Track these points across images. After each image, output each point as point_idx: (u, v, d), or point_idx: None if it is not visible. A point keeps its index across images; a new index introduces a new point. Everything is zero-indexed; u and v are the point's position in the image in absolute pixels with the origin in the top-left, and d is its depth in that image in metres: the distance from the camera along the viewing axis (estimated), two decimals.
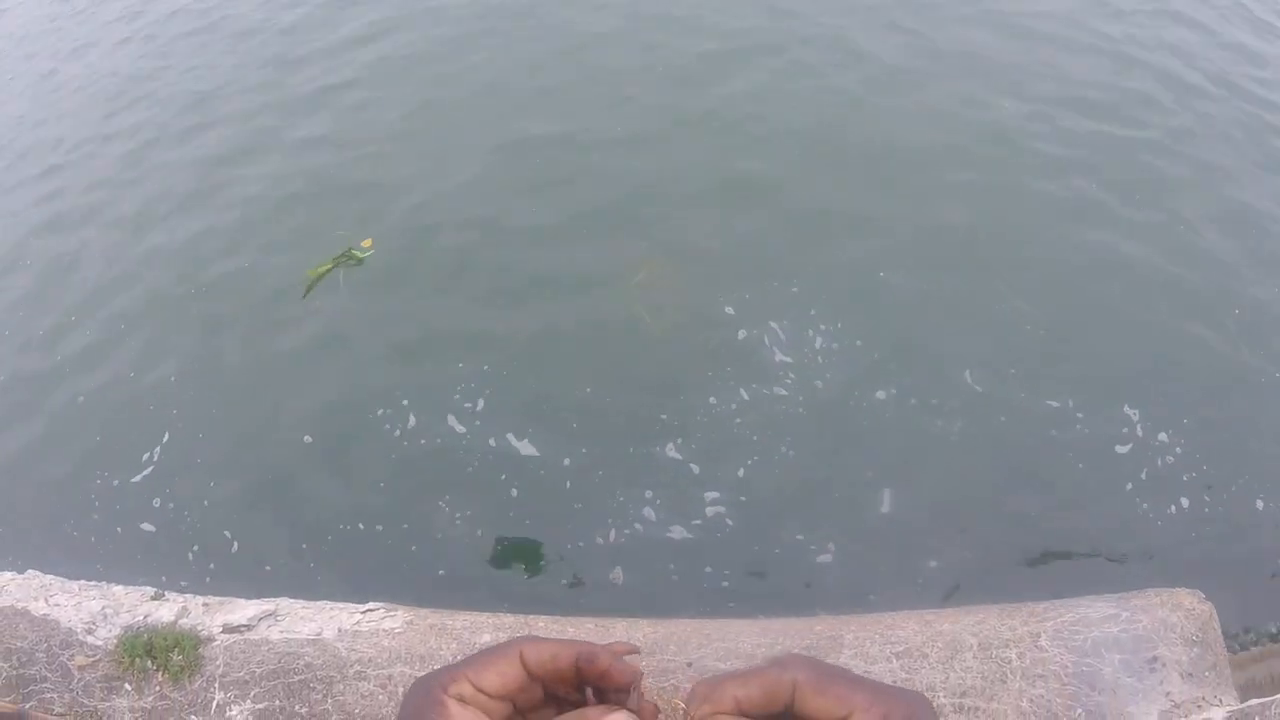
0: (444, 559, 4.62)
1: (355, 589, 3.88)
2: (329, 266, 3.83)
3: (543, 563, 4.58)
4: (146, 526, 4.93)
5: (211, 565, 4.73)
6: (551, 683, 0.63)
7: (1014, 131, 6.48)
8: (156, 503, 5.02)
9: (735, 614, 3.93)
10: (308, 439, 5.13)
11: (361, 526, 4.77)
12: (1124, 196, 5.97)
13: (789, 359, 5.14)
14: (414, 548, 4.69)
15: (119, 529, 4.94)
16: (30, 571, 3.16)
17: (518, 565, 4.60)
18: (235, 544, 4.79)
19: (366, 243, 3.88)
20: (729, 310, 5.38)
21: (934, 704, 2.88)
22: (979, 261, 5.60)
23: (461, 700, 0.59)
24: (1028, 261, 5.60)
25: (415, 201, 6.42)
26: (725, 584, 4.35)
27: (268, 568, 4.66)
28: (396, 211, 6.36)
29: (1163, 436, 4.71)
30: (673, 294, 5.57)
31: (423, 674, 0.62)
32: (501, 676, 0.60)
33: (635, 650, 0.67)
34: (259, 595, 3.44)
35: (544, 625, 3.38)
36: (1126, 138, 6.43)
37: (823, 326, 5.24)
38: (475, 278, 5.86)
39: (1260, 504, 4.35)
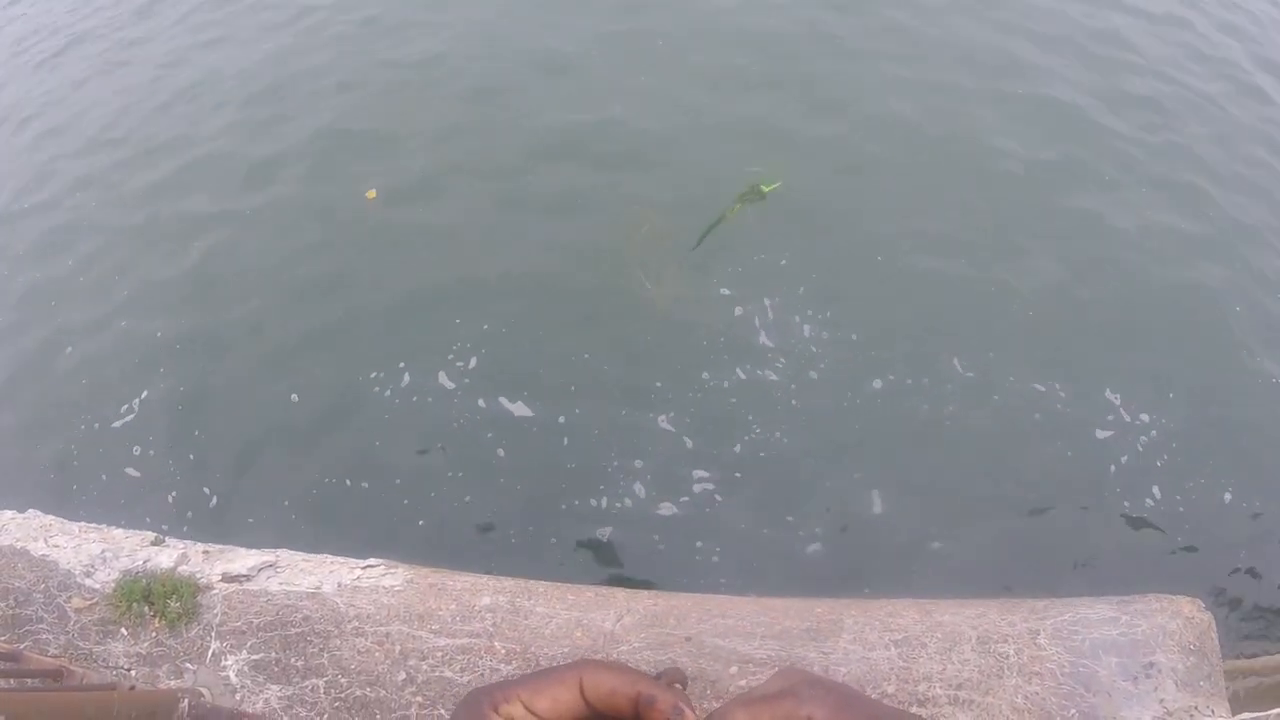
0: (434, 517, 4.60)
1: (343, 544, 3.86)
2: (737, 207, 3.71)
3: (535, 526, 4.56)
4: (132, 472, 4.88)
5: (189, 514, 4.70)
6: (605, 711, 0.62)
7: (1007, 117, 6.35)
8: (137, 450, 4.96)
9: (726, 590, 3.94)
10: (294, 397, 5.05)
11: (349, 483, 4.73)
12: (1122, 185, 5.91)
13: (777, 343, 5.09)
14: (406, 501, 4.67)
15: (90, 481, 4.89)
16: (31, 511, 3.11)
17: (510, 527, 4.58)
18: (214, 499, 4.75)
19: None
20: (724, 290, 5.30)
21: (929, 693, 2.87)
22: (969, 240, 5.55)
23: None
24: (1020, 245, 5.56)
25: (415, 157, 6.27)
26: (715, 559, 4.36)
27: (250, 520, 4.63)
28: (396, 168, 6.21)
29: (1144, 417, 4.70)
30: (673, 260, 5.48)
31: (479, 686, 0.61)
32: (555, 703, 0.60)
33: (684, 679, 0.66)
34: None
35: (544, 590, 3.36)
36: (1120, 124, 6.32)
37: (810, 312, 5.19)
38: (475, 236, 5.75)
39: (1259, 506, 4.39)
